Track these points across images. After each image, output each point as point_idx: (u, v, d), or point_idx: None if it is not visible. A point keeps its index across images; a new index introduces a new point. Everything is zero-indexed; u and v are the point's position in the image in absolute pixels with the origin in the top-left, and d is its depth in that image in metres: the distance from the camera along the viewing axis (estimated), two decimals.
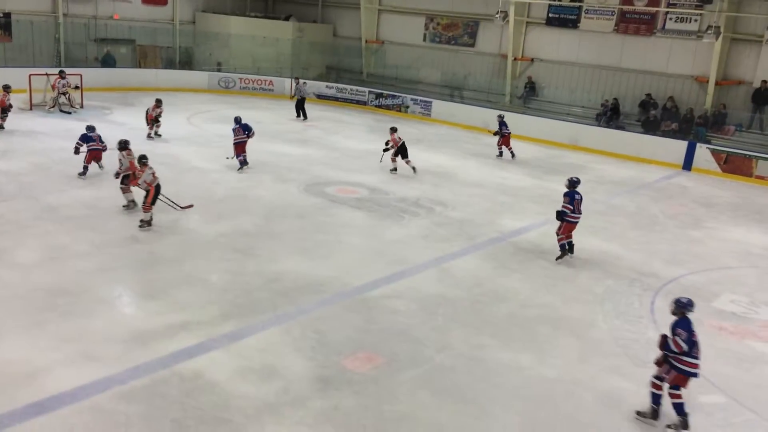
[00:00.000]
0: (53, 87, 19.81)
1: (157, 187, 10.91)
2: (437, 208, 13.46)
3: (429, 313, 8.73)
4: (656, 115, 21.52)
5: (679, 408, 6.52)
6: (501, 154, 19.14)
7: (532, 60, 24.92)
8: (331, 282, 9.41)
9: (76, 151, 13.30)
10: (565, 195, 10.74)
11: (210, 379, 6.70)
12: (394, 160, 16.10)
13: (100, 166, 13.65)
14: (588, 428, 6.63)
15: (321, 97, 26.82)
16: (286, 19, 29.70)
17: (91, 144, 13.29)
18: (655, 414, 6.64)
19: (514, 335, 8.32)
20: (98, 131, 13.60)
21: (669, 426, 6.57)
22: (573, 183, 10.83)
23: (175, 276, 9.13)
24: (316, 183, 14.50)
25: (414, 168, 16.01)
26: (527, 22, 24.73)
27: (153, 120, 17.26)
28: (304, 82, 23.48)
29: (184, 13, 28.44)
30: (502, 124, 18.86)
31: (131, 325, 7.67)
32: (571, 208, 10.50)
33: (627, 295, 9.92)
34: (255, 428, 6.05)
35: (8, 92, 16.86)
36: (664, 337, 6.54)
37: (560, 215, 10.71)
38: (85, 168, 13.28)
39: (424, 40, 27.58)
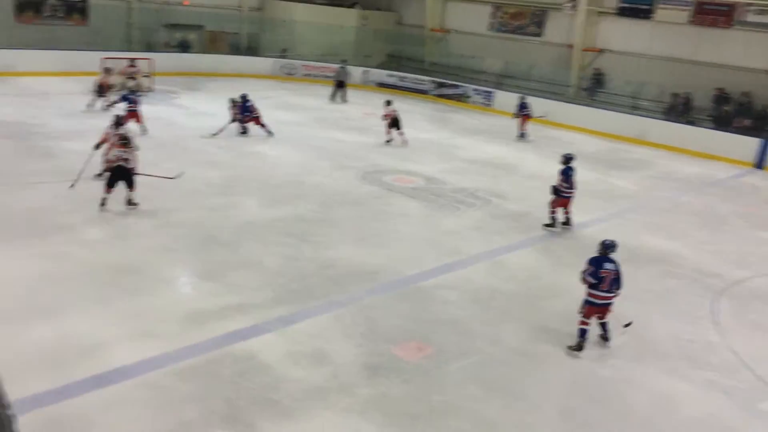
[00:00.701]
0: (121, 73, 20.48)
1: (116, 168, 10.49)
2: (494, 200, 13.31)
3: (481, 305, 8.66)
4: (729, 111, 20.62)
5: (581, 333, 7.67)
6: (523, 135, 19.69)
7: (601, 51, 24.22)
8: (384, 270, 9.44)
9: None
10: (561, 173, 11.40)
11: (262, 361, 6.83)
12: (388, 132, 17.30)
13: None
14: (641, 429, 6.47)
15: (382, 85, 26.83)
16: (352, 6, 29.77)
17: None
18: (579, 347, 7.65)
19: (567, 330, 8.13)
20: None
21: (569, 347, 7.68)
22: (568, 159, 11.60)
23: (231, 258, 9.33)
24: (374, 171, 14.54)
25: (406, 141, 17.21)
26: (598, 12, 24.03)
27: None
28: (342, 67, 23.77)
29: None
30: (523, 105, 19.50)
31: (189, 305, 7.89)
32: (567, 185, 11.11)
33: (688, 296, 9.60)
34: (303, 411, 6.14)
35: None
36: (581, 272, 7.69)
37: (556, 191, 11.48)
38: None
39: (490, 29, 27.19)
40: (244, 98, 16.71)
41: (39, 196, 10.85)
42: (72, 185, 11.11)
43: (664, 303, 9.29)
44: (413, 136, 18.75)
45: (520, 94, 20.66)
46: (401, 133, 17.34)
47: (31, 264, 8.45)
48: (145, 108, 18.22)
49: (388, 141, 17.34)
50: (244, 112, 16.63)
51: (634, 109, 22.29)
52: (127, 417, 5.82)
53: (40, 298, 7.65)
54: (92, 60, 20.09)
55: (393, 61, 29.43)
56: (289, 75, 26.84)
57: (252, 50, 28.48)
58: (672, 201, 14.67)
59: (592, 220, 12.65)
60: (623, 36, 23.69)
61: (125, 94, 15.81)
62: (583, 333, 7.69)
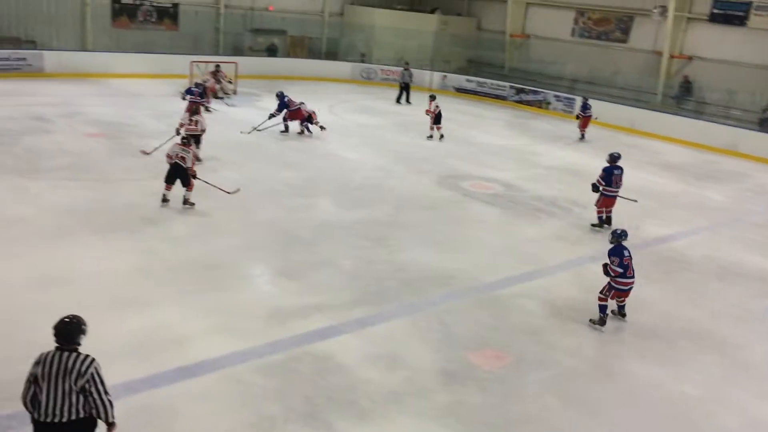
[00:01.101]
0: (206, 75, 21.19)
1: (173, 165, 10.76)
2: (575, 209, 12.99)
3: (561, 316, 8.46)
4: None
5: (602, 308, 8.18)
6: (583, 137, 19.96)
7: (690, 58, 23.27)
8: (461, 276, 9.36)
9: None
10: (603, 170, 11.54)
11: (340, 362, 6.89)
12: (432, 128, 17.92)
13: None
14: None
15: (460, 90, 26.70)
16: (432, 11, 29.79)
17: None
18: (602, 321, 8.16)
19: (652, 347, 7.85)
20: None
21: (591, 320, 8.22)
22: (614, 158, 11.71)
23: (310, 258, 9.47)
24: (451, 176, 14.47)
25: (442, 135, 17.87)
26: (688, 18, 23.11)
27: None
28: (406, 69, 24.10)
29: (334, 5, 29.35)
30: (585, 106, 19.88)
31: (270, 303, 8.06)
32: (603, 183, 11.13)
33: None
34: (380, 414, 6.15)
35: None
36: (605, 265, 8.15)
37: (594, 187, 11.60)
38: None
39: (572, 34, 26.60)
40: (280, 96, 16.96)
41: (131, 192, 11.36)
42: (149, 152, 12.30)
43: (760, 323, 8.80)
44: (492, 141, 18.59)
45: (583, 96, 21.45)
46: (439, 128, 17.94)
47: (124, 257, 8.84)
48: (228, 110, 18.80)
49: (429, 137, 17.99)
50: (281, 108, 16.83)
51: (726, 118, 21.29)
52: (210, 409, 5.98)
53: (132, 290, 7.98)
54: (182, 63, 20.90)
55: (472, 67, 29.24)
56: (368, 79, 27.10)
57: (332, 54, 28.95)
58: (767, 216, 13.91)
59: (680, 233, 12.17)
60: (715, 43, 22.67)
61: (190, 87, 17.02)
62: (604, 309, 8.24)
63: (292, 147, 15.67)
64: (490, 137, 19.27)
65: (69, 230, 9.53)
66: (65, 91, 19.24)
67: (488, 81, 26.50)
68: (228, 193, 11.26)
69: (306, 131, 17.06)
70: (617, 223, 12.29)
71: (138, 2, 24.28)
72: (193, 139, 13.17)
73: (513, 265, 9.98)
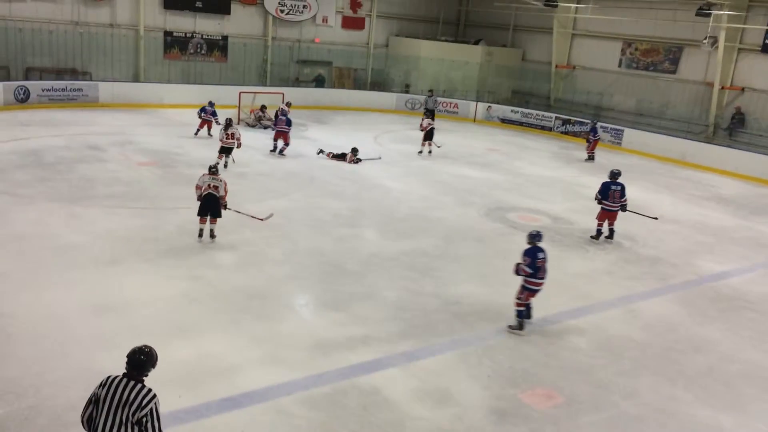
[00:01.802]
0: (251, 111, 21.62)
1: (206, 197, 10.51)
2: (626, 243, 12.66)
3: (615, 355, 8.17)
4: None
5: (519, 313, 8.47)
6: (590, 158, 20.67)
7: (743, 89, 22.74)
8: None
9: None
10: (602, 184, 12.23)
11: (386, 396, 6.76)
12: (422, 144, 19.05)
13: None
14: None
15: (505, 121, 26.58)
16: (476, 43, 29.89)
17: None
18: (520, 326, 8.44)
19: (713, 391, 7.50)
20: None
21: (510, 326, 8.47)
22: (613, 175, 12.38)
23: (356, 290, 9.41)
24: (498, 208, 14.31)
25: (430, 151, 18.97)
26: (739, 49, 22.63)
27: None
28: (431, 96, 25.60)
29: (379, 37, 29.73)
30: (594, 130, 20.75)
31: (315, 333, 8.00)
32: (600, 197, 11.65)
33: None
34: None
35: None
36: (516, 265, 8.44)
37: (598, 202, 12.25)
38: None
39: (620, 65, 26.30)
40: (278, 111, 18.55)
41: (180, 219, 11.51)
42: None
43: None
44: (538, 173, 18.38)
45: (592, 119, 22.65)
46: (430, 144, 19.02)
47: (172, 285, 8.93)
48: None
49: (420, 152, 19.10)
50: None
51: None
52: None
53: (179, 318, 8.03)
54: (231, 93, 21.35)
55: (517, 97, 29.14)
56: (412, 109, 27.21)
57: (377, 85, 29.23)
58: None
59: (736, 270, 11.73)
60: (767, 74, 22.13)
61: (204, 106, 19.08)
62: (521, 314, 8.52)
63: (338, 176, 15.74)
64: (537, 168, 19.06)
65: (121, 257, 9.69)
66: (118, 121, 19.81)
67: (533, 112, 26.33)
68: (261, 220, 11.24)
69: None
70: (673, 259, 11.97)
71: (189, 35, 25.00)
72: (226, 152, 15.39)
73: (562, 300, 9.73)
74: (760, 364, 8.29)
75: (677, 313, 9.63)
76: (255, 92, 22.21)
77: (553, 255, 11.64)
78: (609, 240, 12.49)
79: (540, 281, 8.45)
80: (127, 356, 4.42)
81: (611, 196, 12.23)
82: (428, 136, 19.01)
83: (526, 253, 8.45)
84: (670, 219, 14.67)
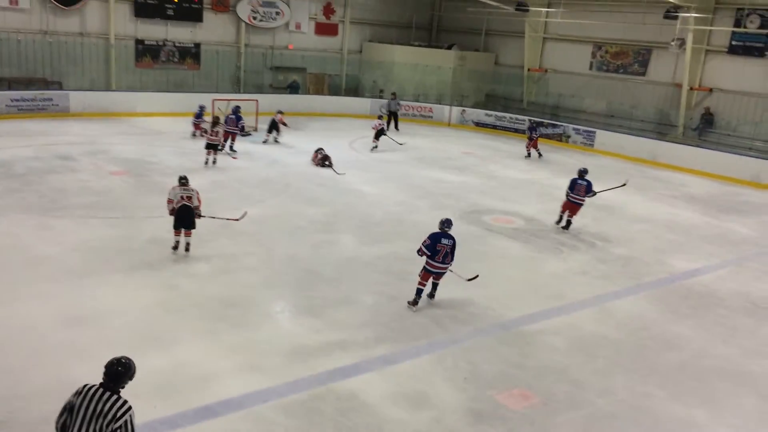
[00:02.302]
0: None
1: (180, 209, 10.21)
2: (599, 243, 12.83)
3: (589, 354, 8.28)
4: None
5: (418, 291, 9.06)
6: (529, 155, 21.45)
7: (711, 90, 23.19)
8: (486, 313, 9.24)
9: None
10: (571, 180, 13.45)
11: (364, 401, 6.78)
12: (373, 141, 20.00)
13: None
14: None
15: (479, 124, 26.78)
16: (449, 47, 30.08)
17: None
18: (415, 302, 9.05)
19: (686, 387, 7.63)
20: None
21: (409, 302, 9.07)
22: (580, 172, 13.61)
23: (333, 295, 9.41)
24: (473, 211, 14.40)
25: (376, 147, 19.89)
26: (706, 50, 23.09)
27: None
28: (393, 99, 25.24)
29: (353, 43, 29.78)
30: (533, 129, 21.73)
31: (292, 340, 7.99)
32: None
33: None
34: None
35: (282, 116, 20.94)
36: (420, 246, 9.05)
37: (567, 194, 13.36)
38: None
39: (590, 68, 26.66)
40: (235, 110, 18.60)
41: (154, 228, 11.41)
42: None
43: None
44: (512, 175, 18.55)
45: (530, 119, 24.09)
46: (377, 140, 20.11)
47: (145, 294, 8.85)
48: (250, 147, 19.07)
49: (373, 148, 19.95)
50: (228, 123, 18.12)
51: (749, 150, 21.09)
52: None
53: (154, 328, 7.97)
54: (204, 101, 21.19)
55: (490, 101, 29.38)
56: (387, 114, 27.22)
57: (351, 91, 29.27)
58: None
59: (706, 267, 11.95)
60: (735, 75, 22.58)
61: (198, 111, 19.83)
62: (419, 292, 9.10)
63: (314, 182, 15.73)
64: (511, 171, 19.22)
65: (94, 268, 9.58)
66: (90, 131, 19.58)
67: (507, 115, 26.54)
68: (236, 220, 11.08)
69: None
70: (645, 258, 12.17)
71: (161, 43, 24.82)
72: (212, 148, 16.41)
73: (537, 300, 9.84)
74: (732, 359, 8.45)
75: (650, 311, 9.79)
76: (229, 99, 22.09)
77: (528, 256, 11.84)
78: (565, 230, 13.45)
79: (439, 264, 8.98)
80: (105, 367, 4.41)
81: (576, 190, 13.33)
82: (378, 135, 20.45)
83: (430, 235, 9.08)
84: (641, 218, 14.90)
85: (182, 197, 10.18)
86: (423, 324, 8.71)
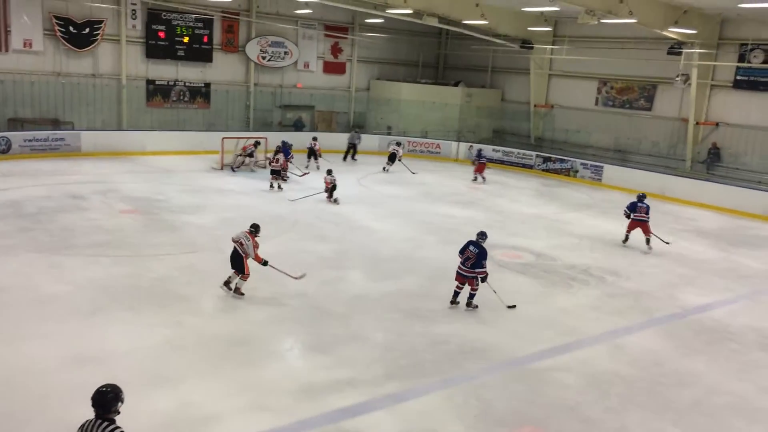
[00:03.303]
0: (243, 149, 21.71)
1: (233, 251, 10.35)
2: (609, 278, 12.74)
3: (601, 391, 8.14)
4: None
5: (455, 293, 10.57)
6: (476, 179, 22.73)
7: (717, 124, 23.25)
8: (496, 349, 9.14)
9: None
10: (630, 203, 14.87)
11: None
12: (328, 199, 17.70)
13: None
14: None
15: (488, 160, 26.82)
16: (456, 84, 30.41)
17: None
18: (452, 302, 10.53)
19: (700, 425, 7.48)
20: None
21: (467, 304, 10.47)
22: (640, 197, 15.20)
23: (341, 332, 9.34)
24: None
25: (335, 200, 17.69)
26: (711, 85, 23.22)
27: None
28: (355, 132, 26.09)
29: (360, 80, 30.18)
30: (479, 155, 23.27)
31: (300, 378, 7.91)
32: (628, 212, 14.46)
33: None
34: None
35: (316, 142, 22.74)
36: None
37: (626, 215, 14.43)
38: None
39: (596, 104, 26.84)
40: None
41: (163, 267, 11.45)
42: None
43: None
44: (521, 210, 18.55)
45: (475, 146, 25.94)
46: (330, 198, 17.93)
47: (153, 333, 8.82)
48: (260, 184, 19.21)
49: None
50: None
51: (759, 183, 21.02)
52: None
53: (161, 366, 7.92)
54: (214, 139, 21.46)
55: (497, 137, 29.56)
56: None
57: (359, 127, 29.52)
58: None
59: (719, 302, 11.81)
60: (740, 109, 22.66)
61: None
62: (456, 294, 10.52)
63: (324, 219, 15.77)
64: (519, 206, 19.22)
65: (103, 307, 9.58)
66: (100, 169, 19.79)
67: (514, 150, 26.67)
68: (295, 278, 10.70)
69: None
70: (656, 293, 12.05)
71: (171, 83, 25.23)
72: (276, 173, 18.82)
73: (548, 336, 9.73)
74: (746, 395, 8.29)
75: (662, 347, 9.65)
76: (238, 137, 22.33)
77: (538, 291, 11.76)
78: (649, 247, 14.90)
79: (464, 268, 10.34)
80: (92, 398, 4.54)
81: (639, 210, 14.89)
82: (331, 192, 18.37)
83: (464, 244, 10.52)
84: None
85: (234, 240, 10.26)
86: (433, 360, 8.62)
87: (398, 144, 24.56)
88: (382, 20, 27.14)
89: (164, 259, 11.87)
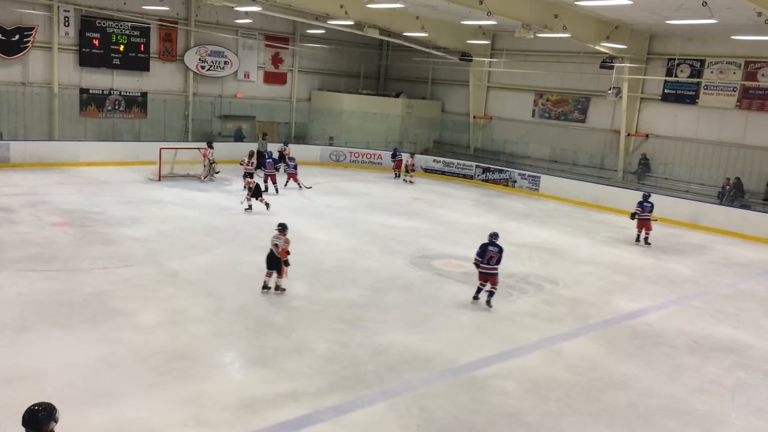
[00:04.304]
0: (204, 156, 21.29)
1: (269, 253, 11.23)
2: (547, 286, 13.04)
3: (540, 396, 8.32)
4: None
5: (478, 289, 11.57)
6: (397, 176, 25.12)
7: (647, 136, 24.23)
8: (438, 358, 9.22)
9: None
10: (638, 203, 15.89)
11: None
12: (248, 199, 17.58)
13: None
14: None
15: (428, 170, 27.18)
16: (397, 96, 30.70)
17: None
18: (475, 298, 11.58)
19: (635, 427, 7.73)
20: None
21: (486, 302, 11.39)
22: (645, 196, 17.23)
23: (283, 344, 9.25)
24: (423, 256, 14.49)
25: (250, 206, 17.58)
26: (641, 98, 24.20)
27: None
28: (264, 140, 25.51)
29: (301, 91, 30.11)
30: (394, 154, 24.86)
31: (241, 392, 7.78)
32: (480, 259, 11.62)
33: (762, 390, 9.06)
34: None
35: (211, 148, 21.63)
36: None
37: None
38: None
39: (533, 115, 27.58)
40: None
41: (97, 281, 11.09)
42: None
43: (736, 397, 8.76)
44: (461, 220, 18.81)
45: (395, 148, 26.83)
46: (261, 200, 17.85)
47: (88, 349, 8.52)
48: (199, 195, 18.87)
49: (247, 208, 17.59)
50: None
51: (686, 192, 21.97)
52: None
53: (96, 384, 7.65)
54: (151, 150, 20.97)
55: (438, 147, 29.96)
56: (337, 161, 27.47)
57: (301, 138, 29.42)
58: (734, 287, 14.13)
59: (650, 307, 12.25)
60: (669, 121, 23.72)
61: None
62: (479, 290, 11.53)
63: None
64: (459, 215, 19.50)
65: (32, 323, 9.20)
66: (30, 181, 19.06)
67: (455, 161, 27.08)
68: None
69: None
70: (591, 299, 12.39)
71: (106, 92, 24.55)
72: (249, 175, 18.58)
73: (489, 344, 9.89)
74: (678, 397, 8.61)
75: (598, 352, 9.94)
76: (176, 148, 21.89)
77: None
78: (648, 244, 17.06)
79: (488, 266, 11.28)
80: (22, 417, 4.31)
81: (644, 209, 16.90)
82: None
83: (480, 246, 11.45)
84: (587, 260, 15.25)
85: (271, 242, 11.15)
86: (375, 371, 8.62)
87: (263, 136, 25.13)
88: (324, 31, 27.21)
89: (99, 273, 11.51)
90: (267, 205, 17.54)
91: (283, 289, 11.22)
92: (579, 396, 8.43)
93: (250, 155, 19.35)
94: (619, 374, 9.19)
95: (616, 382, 8.92)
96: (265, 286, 11.19)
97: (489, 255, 11.29)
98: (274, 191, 19.96)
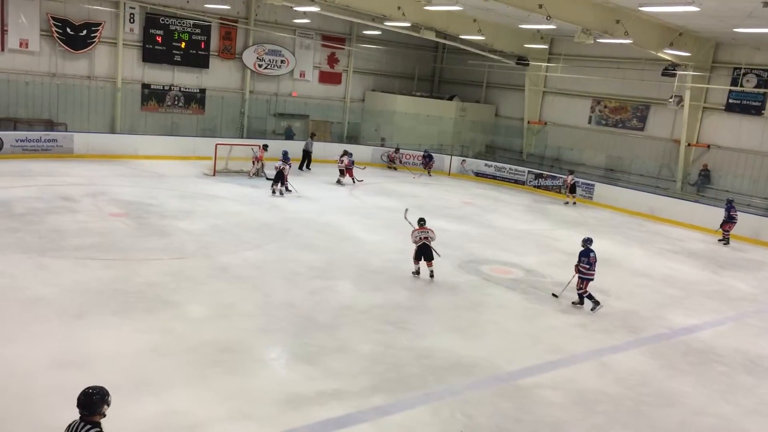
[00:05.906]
0: (259, 158, 21.61)
1: (421, 246, 12.61)
2: (598, 296, 12.73)
3: (587, 409, 8.14)
4: None
5: (580, 297, 11.76)
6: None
7: (708, 146, 23.46)
8: (483, 364, 9.12)
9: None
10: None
11: None
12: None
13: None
14: None
15: (479, 174, 26.97)
16: (450, 98, 30.56)
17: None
18: (580, 302, 11.81)
19: None
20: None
21: (573, 302, 11.91)
22: (729, 200, 18.41)
23: (329, 343, 9.31)
24: (471, 260, 14.38)
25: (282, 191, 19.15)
26: (704, 108, 23.44)
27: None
28: (311, 138, 25.52)
29: (356, 91, 30.29)
30: (344, 154, 22.94)
31: (286, 388, 7.86)
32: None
33: None
34: None
35: (265, 150, 21.88)
36: (576, 265, 11.71)
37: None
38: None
39: (589, 122, 27.04)
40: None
41: (151, 271, 11.39)
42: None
43: None
44: (511, 226, 18.60)
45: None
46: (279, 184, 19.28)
47: (140, 338, 8.76)
48: (251, 191, 19.19)
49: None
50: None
51: (748, 206, 21.18)
52: None
53: (149, 373, 7.85)
54: (207, 145, 21.42)
55: (490, 152, 29.69)
56: (388, 162, 27.47)
57: (353, 138, 29.58)
58: None
59: (706, 323, 11.86)
60: (732, 132, 22.91)
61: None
62: (591, 296, 11.66)
63: (314, 229, 15.75)
64: (510, 221, 19.27)
65: (89, 310, 9.51)
66: (92, 172, 19.71)
67: (507, 166, 26.78)
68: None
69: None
70: (644, 312, 12.08)
71: (167, 88, 25.21)
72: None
73: (535, 353, 9.74)
74: (731, 417, 8.31)
75: (649, 367, 9.67)
76: (231, 144, 22.31)
77: (526, 307, 11.78)
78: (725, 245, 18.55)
79: (593, 272, 11.58)
80: (78, 398, 4.55)
81: (732, 211, 18.62)
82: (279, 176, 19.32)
83: (582, 254, 11.62)
84: (641, 272, 14.86)
85: (420, 238, 12.58)
86: (419, 374, 8.59)
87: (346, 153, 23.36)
88: (380, 32, 27.30)
89: (153, 264, 11.81)
90: (289, 191, 19.32)
91: (433, 276, 12.55)
92: (627, 411, 8.22)
93: (343, 154, 21.86)
94: (670, 391, 8.92)
95: (667, 399, 8.66)
96: (417, 272, 12.65)
97: (592, 260, 11.60)
98: (351, 182, 22.22)
